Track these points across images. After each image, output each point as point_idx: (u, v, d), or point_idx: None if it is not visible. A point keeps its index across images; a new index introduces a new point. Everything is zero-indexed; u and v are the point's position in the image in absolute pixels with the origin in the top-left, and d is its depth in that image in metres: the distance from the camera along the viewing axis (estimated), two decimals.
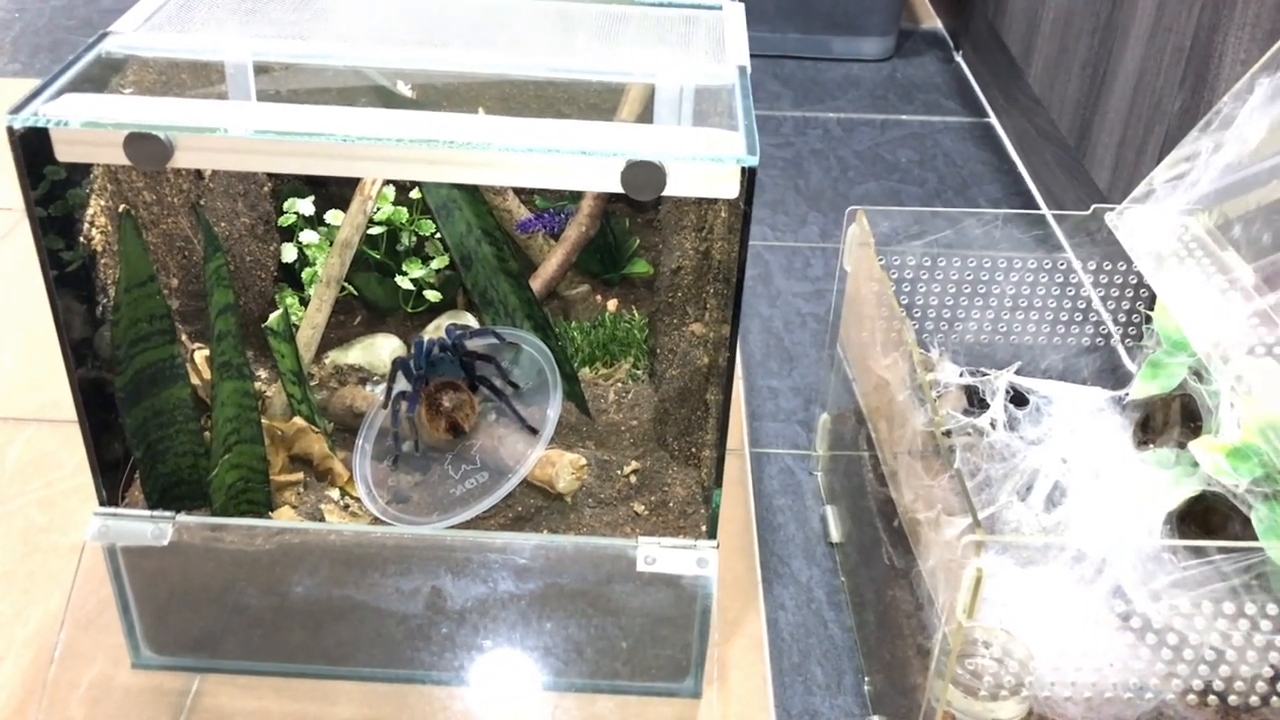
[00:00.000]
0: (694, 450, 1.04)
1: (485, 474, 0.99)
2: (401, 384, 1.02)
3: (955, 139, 1.90)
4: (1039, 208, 1.71)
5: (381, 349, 1.14)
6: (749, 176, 0.77)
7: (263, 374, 1.10)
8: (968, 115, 1.99)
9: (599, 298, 1.25)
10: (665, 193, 0.77)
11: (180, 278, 1.04)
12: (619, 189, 0.77)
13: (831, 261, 1.58)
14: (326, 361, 1.14)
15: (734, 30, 0.95)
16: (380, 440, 1.03)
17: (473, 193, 1.10)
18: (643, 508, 1.00)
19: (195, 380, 1.01)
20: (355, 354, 1.14)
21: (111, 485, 0.95)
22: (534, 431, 1.00)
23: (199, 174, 1.06)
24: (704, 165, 0.77)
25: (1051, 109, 1.68)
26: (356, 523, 0.98)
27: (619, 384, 1.14)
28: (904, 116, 1.98)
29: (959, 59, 2.19)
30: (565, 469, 0.99)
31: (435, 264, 1.17)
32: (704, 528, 0.99)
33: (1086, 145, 1.54)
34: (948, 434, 1.01)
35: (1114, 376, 1.13)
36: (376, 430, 1.03)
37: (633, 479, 1.03)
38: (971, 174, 1.80)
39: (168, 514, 0.92)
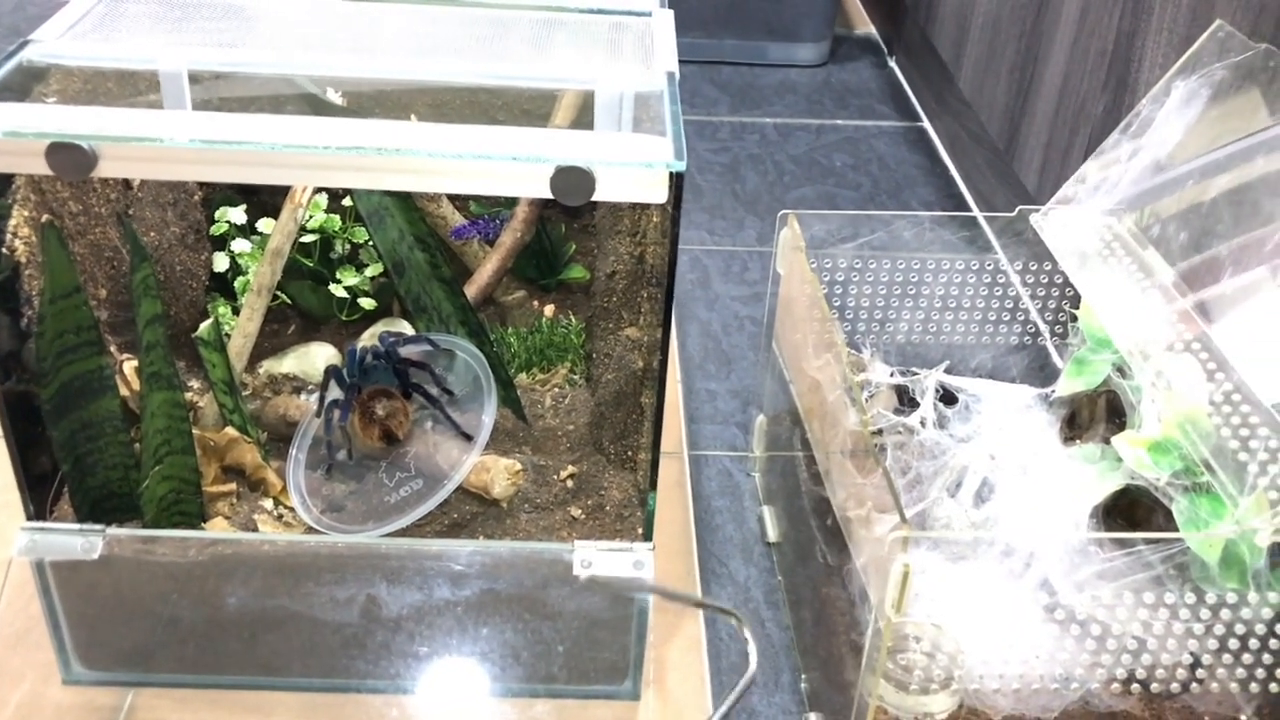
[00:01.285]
0: (630, 453, 1.05)
1: (420, 481, 0.99)
2: (335, 392, 1.02)
3: (889, 143, 1.93)
4: (970, 210, 1.73)
5: (316, 357, 1.13)
6: (677, 181, 0.78)
7: (195, 384, 1.09)
8: (901, 120, 2.01)
9: (536, 303, 1.25)
10: (595, 198, 0.77)
11: (109, 288, 1.03)
12: (548, 194, 0.77)
13: (768, 265, 1.59)
14: (261, 371, 1.13)
15: (663, 36, 0.96)
16: (314, 449, 1.02)
17: (404, 199, 1.10)
18: (579, 512, 1.01)
19: (125, 391, 1.00)
20: (290, 363, 1.13)
21: (39, 499, 0.93)
22: (469, 438, 1.00)
23: (127, 184, 1.05)
24: (632, 170, 0.77)
25: (981, 112, 1.71)
26: (290, 532, 0.97)
27: (556, 389, 1.14)
28: (839, 121, 2.00)
29: (892, 64, 2.22)
30: (500, 474, 0.99)
31: (369, 271, 1.16)
32: (640, 530, 0.99)
33: (1015, 148, 1.57)
34: (878, 433, 1.02)
35: (1042, 374, 1.16)
36: (310, 439, 1.03)
37: (569, 483, 1.03)
38: (905, 177, 1.82)
39: (97, 527, 0.91)
